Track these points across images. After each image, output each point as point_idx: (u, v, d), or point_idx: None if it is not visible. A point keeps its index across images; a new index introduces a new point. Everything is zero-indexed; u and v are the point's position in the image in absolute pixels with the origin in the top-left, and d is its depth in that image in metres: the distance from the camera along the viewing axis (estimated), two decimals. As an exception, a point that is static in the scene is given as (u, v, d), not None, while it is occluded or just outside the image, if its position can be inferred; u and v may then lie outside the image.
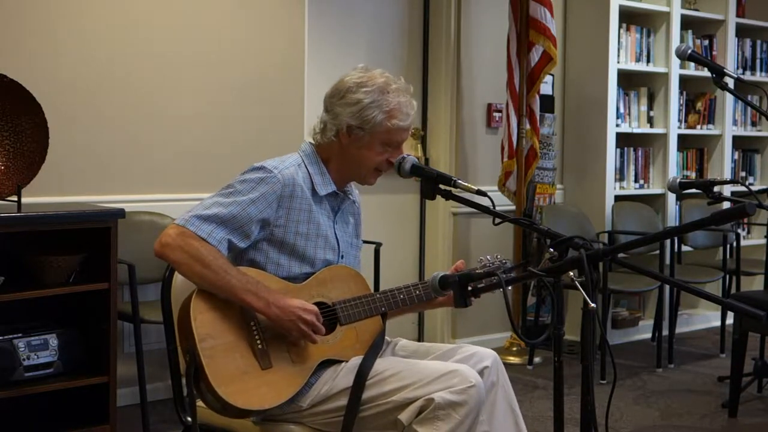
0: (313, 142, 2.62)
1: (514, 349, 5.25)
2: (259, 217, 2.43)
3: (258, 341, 2.35)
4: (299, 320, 2.34)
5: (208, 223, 2.37)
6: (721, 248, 5.74)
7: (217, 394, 2.25)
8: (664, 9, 5.91)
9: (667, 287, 5.61)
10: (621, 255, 2.10)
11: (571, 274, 1.93)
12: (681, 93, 6.10)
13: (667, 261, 5.37)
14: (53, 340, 3.46)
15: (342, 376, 2.40)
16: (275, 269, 2.47)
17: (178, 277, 2.53)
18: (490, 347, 2.61)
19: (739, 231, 6.14)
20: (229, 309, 2.35)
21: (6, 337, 3.38)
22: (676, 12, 5.94)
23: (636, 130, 5.92)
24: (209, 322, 2.32)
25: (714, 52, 6.32)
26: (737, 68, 6.47)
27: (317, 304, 2.43)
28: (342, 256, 2.60)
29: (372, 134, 2.50)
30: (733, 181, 4.38)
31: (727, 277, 5.68)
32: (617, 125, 5.76)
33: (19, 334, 3.41)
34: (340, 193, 2.61)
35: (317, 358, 2.42)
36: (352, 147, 2.53)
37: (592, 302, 1.86)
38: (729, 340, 4.82)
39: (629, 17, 5.86)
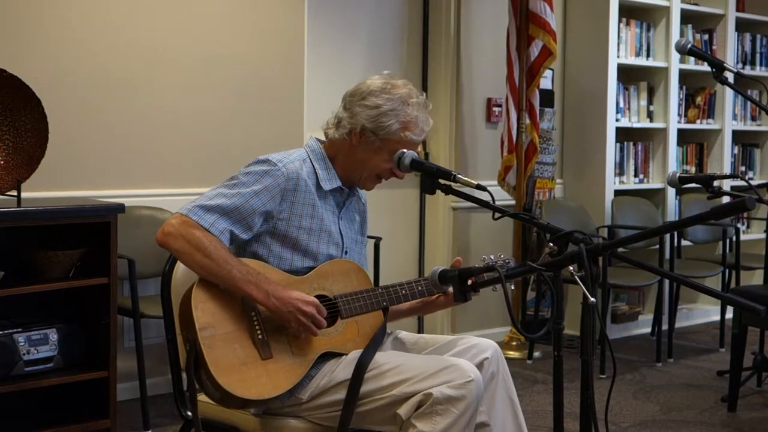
0: (320, 138, 2.64)
1: (514, 343, 5.26)
2: (263, 209, 2.43)
3: (258, 332, 2.36)
4: (298, 312, 2.34)
5: (211, 213, 2.38)
6: (720, 243, 5.75)
7: (216, 383, 2.25)
8: (664, 3, 5.91)
9: (666, 282, 5.61)
10: (620, 249, 2.10)
11: (571, 268, 1.94)
12: (681, 87, 6.10)
13: (667, 255, 5.37)
14: (53, 335, 3.46)
15: (341, 369, 2.41)
16: (278, 262, 2.48)
17: (177, 272, 2.54)
18: (490, 342, 2.61)
19: (739, 225, 6.14)
20: (230, 299, 2.36)
21: (6, 331, 3.38)
22: (676, 6, 5.93)
23: (636, 125, 5.92)
24: (210, 311, 2.32)
25: (714, 47, 6.32)
26: (737, 63, 6.47)
27: (318, 297, 2.44)
28: (346, 252, 2.61)
29: (383, 141, 2.51)
30: (732, 176, 4.37)
31: (727, 271, 5.68)
32: (617, 120, 5.76)
33: (19, 329, 3.41)
34: (345, 188, 2.62)
35: (317, 351, 2.42)
36: (361, 149, 2.54)
37: (592, 297, 1.86)
38: (728, 334, 4.81)
39: (629, 11, 5.86)
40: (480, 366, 2.39)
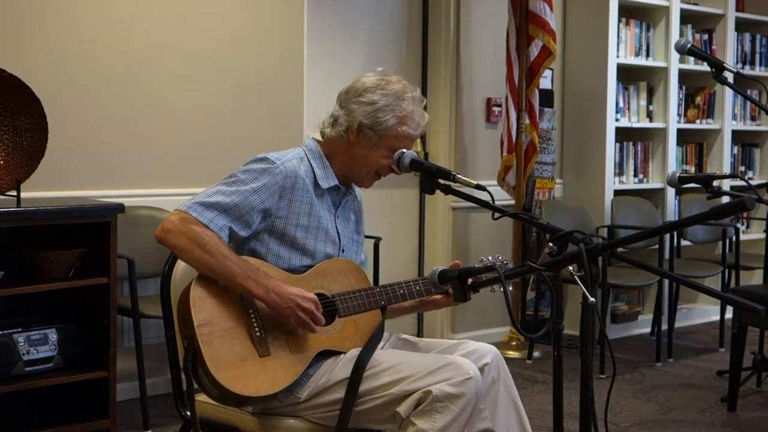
0: (317, 138, 2.64)
1: (514, 343, 5.26)
2: (261, 207, 2.44)
3: (256, 329, 2.36)
4: (297, 308, 2.34)
5: (211, 210, 2.39)
6: (720, 243, 5.75)
7: (214, 380, 2.25)
8: (664, 3, 5.91)
9: (666, 282, 5.61)
10: (620, 249, 2.10)
11: (571, 268, 1.94)
12: (680, 87, 6.10)
13: (667, 255, 5.38)
14: (53, 335, 3.47)
15: (340, 368, 2.41)
16: (275, 261, 2.48)
17: (177, 271, 2.54)
18: (489, 341, 2.61)
19: (739, 225, 6.14)
20: (228, 296, 2.36)
21: (6, 331, 3.38)
22: (676, 6, 5.93)
23: (635, 125, 5.92)
24: (208, 308, 2.33)
25: (713, 47, 6.32)
26: (737, 63, 6.47)
27: (316, 295, 2.44)
28: (343, 251, 2.61)
29: (380, 137, 2.53)
30: (732, 176, 4.37)
31: (727, 271, 5.69)
32: (616, 120, 5.76)
33: (19, 329, 3.41)
34: (342, 187, 2.63)
35: (315, 348, 2.43)
36: (358, 146, 2.55)
37: (592, 296, 1.86)
38: (728, 334, 4.82)
39: (628, 11, 5.86)
40: (480, 371, 2.38)
